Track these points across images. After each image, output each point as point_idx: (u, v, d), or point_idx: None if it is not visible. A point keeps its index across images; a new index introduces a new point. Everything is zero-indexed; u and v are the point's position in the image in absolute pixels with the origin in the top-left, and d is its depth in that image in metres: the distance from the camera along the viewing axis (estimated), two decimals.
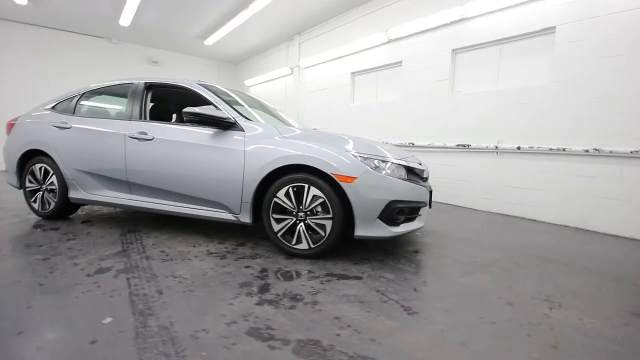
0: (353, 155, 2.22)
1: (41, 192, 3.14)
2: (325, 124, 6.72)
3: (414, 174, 2.44)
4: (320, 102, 6.97)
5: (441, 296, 1.83)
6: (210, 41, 7.97)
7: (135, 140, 2.72)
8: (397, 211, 2.24)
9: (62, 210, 3.13)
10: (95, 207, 3.83)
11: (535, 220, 3.77)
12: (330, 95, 6.68)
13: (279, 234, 2.36)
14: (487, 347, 1.37)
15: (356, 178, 2.15)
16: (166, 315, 1.53)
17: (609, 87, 3.20)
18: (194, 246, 2.54)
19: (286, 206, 2.31)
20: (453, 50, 4.51)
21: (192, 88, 2.78)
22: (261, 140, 2.41)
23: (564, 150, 3.48)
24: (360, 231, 2.19)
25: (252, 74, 9.57)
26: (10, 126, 3.36)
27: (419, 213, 2.48)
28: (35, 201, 3.17)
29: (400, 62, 5.22)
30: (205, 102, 2.72)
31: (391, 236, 2.23)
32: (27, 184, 3.18)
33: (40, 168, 3.10)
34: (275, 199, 2.33)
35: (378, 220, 2.19)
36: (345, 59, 6.27)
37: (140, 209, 2.81)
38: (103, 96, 3.23)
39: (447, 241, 2.91)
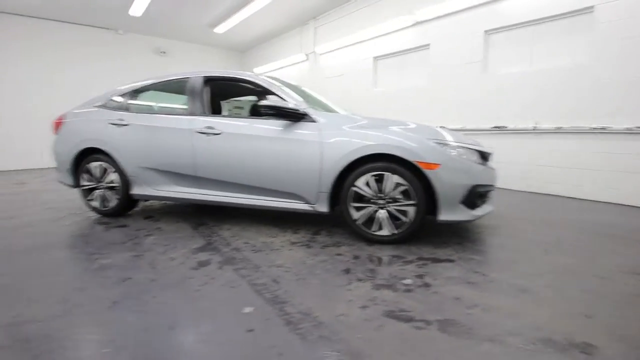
0: (434, 142, 2.28)
1: (100, 190, 3.15)
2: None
3: (483, 158, 2.51)
4: (338, 88, 6.94)
5: (538, 274, 1.94)
6: (221, 29, 7.80)
7: (203, 135, 2.73)
8: (478, 195, 2.33)
9: (123, 207, 3.16)
10: (148, 203, 3.85)
11: (576, 199, 3.91)
12: (351, 80, 6.65)
13: (358, 222, 2.44)
14: (616, 318, 1.48)
15: (439, 165, 2.22)
16: (298, 302, 1.61)
17: None
18: (273, 237, 2.61)
19: (366, 194, 2.38)
20: (486, 31, 4.52)
21: (256, 81, 2.78)
22: (336, 130, 2.45)
23: (604, 129, 3.58)
24: (444, 216, 2.28)
25: (261, 61, 9.43)
26: (58, 125, 3.33)
27: (489, 196, 2.57)
28: (93, 199, 3.19)
29: (428, 44, 5.21)
30: (268, 94, 2.74)
31: (472, 219, 2.33)
32: (84, 182, 3.18)
33: (98, 166, 3.10)
34: (354, 188, 2.40)
35: (460, 204, 2.28)
36: (366, 43, 6.22)
37: (208, 202, 2.85)
38: (156, 92, 3.20)
39: (508, 222, 3.01)
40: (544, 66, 4.05)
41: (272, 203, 2.67)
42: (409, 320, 1.46)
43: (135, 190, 3.04)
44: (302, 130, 2.51)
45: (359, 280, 1.85)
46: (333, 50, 6.96)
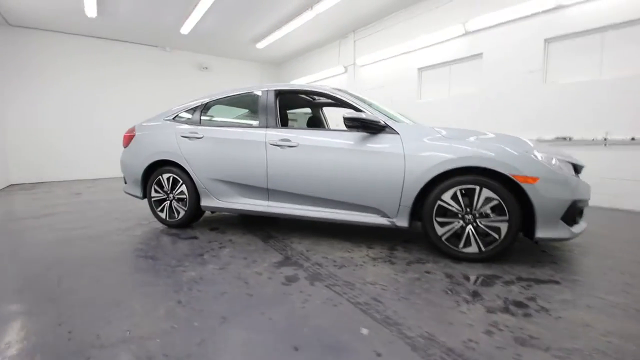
0: (530, 153, 2.16)
1: (168, 202, 3.21)
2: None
3: (576, 171, 2.36)
4: (380, 100, 6.88)
5: None
6: (262, 44, 8.01)
7: (278, 147, 2.74)
8: (578, 211, 2.18)
9: (190, 219, 3.20)
10: (207, 215, 3.90)
11: None
12: (393, 92, 6.60)
13: (443, 238, 2.33)
14: None
15: (538, 178, 2.09)
16: (415, 325, 1.52)
17: None
18: (348, 251, 2.54)
19: (453, 209, 2.28)
20: (545, 40, 4.36)
21: (330, 93, 2.78)
22: (420, 142, 2.37)
23: None
24: (542, 233, 2.13)
25: (298, 74, 9.58)
26: (129, 138, 3.45)
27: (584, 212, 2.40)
28: (162, 210, 3.25)
29: (480, 54, 5.10)
30: (345, 106, 2.73)
31: (571, 237, 2.17)
32: (153, 194, 3.26)
33: (169, 178, 3.17)
34: (439, 202, 2.30)
35: (560, 221, 2.13)
36: (410, 55, 6.18)
37: (279, 215, 2.83)
38: (226, 106, 3.27)
39: (593, 240, 2.80)
40: (615, 74, 3.84)
41: (348, 217, 2.61)
42: (546, 349, 1.34)
43: (205, 202, 3.07)
44: (384, 142, 2.45)
45: (467, 302, 1.74)
46: (374, 62, 6.97)
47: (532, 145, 2.29)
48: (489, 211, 2.21)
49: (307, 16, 6.24)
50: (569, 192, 2.12)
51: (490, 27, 4.91)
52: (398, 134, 2.45)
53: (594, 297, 1.79)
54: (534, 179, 2.09)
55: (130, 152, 3.42)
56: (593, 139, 3.98)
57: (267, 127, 2.86)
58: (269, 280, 2.03)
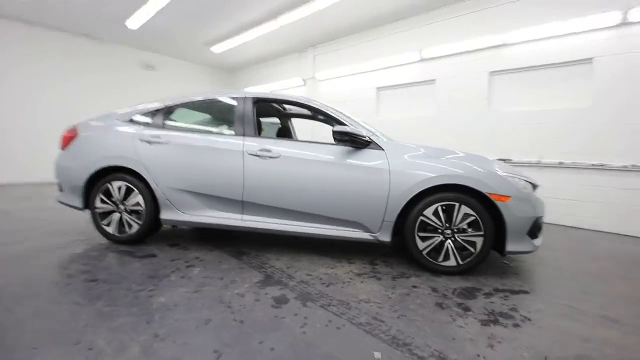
0: (502, 174, 2.35)
1: (118, 214, 2.78)
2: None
3: (534, 189, 2.64)
4: None
5: (614, 303, 2.02)
6: (219, 49, 7.66)
7: (257, 157, 2.57)
8: (539, 226, 2.42)
9: (145, 234, 2.81)
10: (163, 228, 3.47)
11: (577, 227, 4.23)
12: (352, 108, 6.79)
13: (424, 252, 2.39)
14: None
15: (510, 197, 2.28)
16: (422, 344, 1.49)
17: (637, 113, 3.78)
18: (331, 267, 2.45)
19: (434, 224, 2.36)
20: (490, 72, 4.93)
21: (314, 105, 2.72)
22: (403, 158, 2.43)
23: (603, 165, 3.99)
24: (511, 247, 2.31)
25: (253, 82, 9.35)
26: (68, 139, 2.94)
27: None
28: (109, 224, 2.80)
29: (434, 80, 5.54)
30: (328, 119, 2.69)
31: (534, 250, 2.39)
32: (99, 205, 2.79)
33: (120, 187, 2.75)
34: (421, 217, 2.37)
35: (526, 235, 2.34)
36: (370, 74, 6.46)
37: (255, 230, 2.64)
38: (195, 111, 2.99)
39: (539, 253, 3.13)
40: (547, 107, 4.47)
41: (330, 232, 2.54)
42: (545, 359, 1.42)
43: (166, 215, 2.73)
44: (370, 158, 2.46)
45: (460, 315, 1.78)
46: (334, 78, 7.12)
47: (499, 165, 2.51)
48: (465, 226, 2.33)
49: (271, 26, 6.16)
50: (533, 209, 2.35)
51: (442, 57, 5.39)
52: (383, 149, 2.48)
53: (562, 305, 1.97)
54: (507, 197, 2.28)
55: (70, 155, 2.90)
56: (528, 162, 4.56)
57: (244, 136, 2.67)
58: (256, 302, 1.85)
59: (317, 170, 2.51)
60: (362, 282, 2.20)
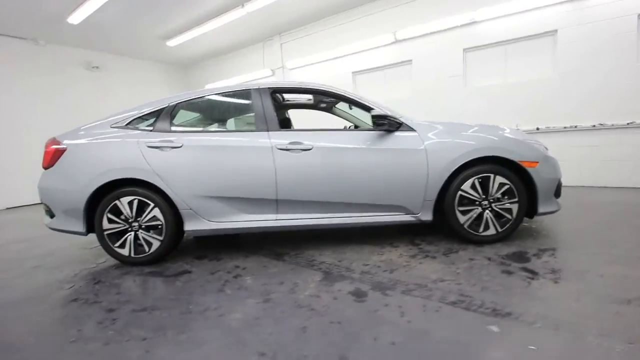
0: (528, 141, 2.49)
1: (132, 233, 2.46)
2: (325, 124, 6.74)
3: None
4: None
5: (637, 246, 2.28)
6: (175, 42, 7.03)
7: (286, 152, 2.42)
8: (560, 186, 2.62)
9: (168, 250, 2.53)
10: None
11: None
12: None
13: (465, 225, 2.47)
14: None
15: (538, 162, 2.43)
16: (523, 311, 1.54)
17: (601, 78, 4.24)
18: (380, 254, 2.43)
19: (472, 197, 2.44)
20: (464, 49, 5.16)
21: (333, 91, 2.62)
22: (437, 137, 2.46)
23: (575, 127, 4.44)
24: (542, 208, 2.47)
25: (214, 77, 8.78)
26: (54, 154, 2.50)
27: None
28: (123, 245, 2.47)
29: (410, 60, 5.67)
30: (351, 104, 2.63)
31: (559, 209, 2.58)
32: (107, 226, 2.45)
33: (131, 202, 2.43)
34: (460, 192, 2.43)
35: (553, 196, 2.52)
36: (344, 59, 6.41)
37: (291, 228, 2.52)
38: (203, 108, 2.71)
39: None
40: (517, 79, 4.83)
41: (371, 219, 2.51)
42: (628, 301, 1.55)
43: (192, 226, 2.47)
44: (404, 140, 2.45)
45: (530, 278, 1.87)
46: (307, 65, 6.96)
47: (519, 133, 2.66)
48: (500, 196, 2.45)
49: (237, 14, 5.78)
50: (556, 171, 2.54)
51: (417, 37, 5.52)
52: (415, 130, 2.49)
53: (602, 254, 2.17)
54: (535, 163, 2.43)
55: (60, 174, 2.48)
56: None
57: (268, 131, 2.50)
58: (336, 300, 1.77)
59: (353, 158, 2.44)
60: (420, 263, 2.22)
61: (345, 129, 3.01)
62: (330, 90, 2.66)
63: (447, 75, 5.35)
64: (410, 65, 5.71)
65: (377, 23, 5.87)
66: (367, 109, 2.55)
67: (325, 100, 3.44)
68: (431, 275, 2.01)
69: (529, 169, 2.41)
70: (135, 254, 2.49)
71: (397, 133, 2.48)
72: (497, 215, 2.47)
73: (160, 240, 2.48)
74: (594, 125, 4.33)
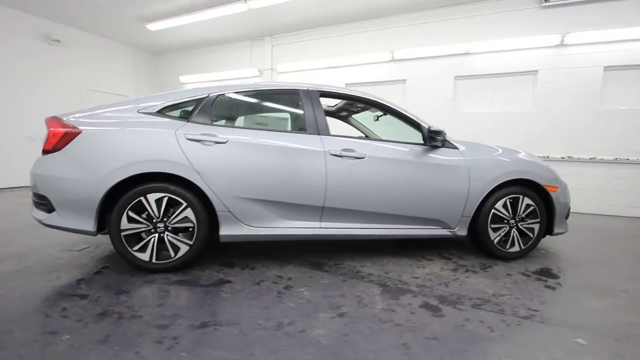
0: (551, 168, 2.74)
1: (156, 235, 2.15)
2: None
3: None
4: None
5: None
6: (156, 26, 6.44)
7: (339, 158, 2.33)
8: (569, 210, 2.91)
9: (196, 256, 2.25)
10: None
11: None
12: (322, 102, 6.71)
13: (494, 241, 2.62)
14: None
15: (558, 188, 2.69)
16: (595, 325, 1.66)
17: (571, 117, 4.89)
18: (422, 267, 2.45)
19: (503, 216, 2.60)
20: (455, 77, 5.57)
21: (385, 103, 2.63)
22: (478, 157, 2.60)
23: (548, 157, 5.02)
24: (557, 229, 2.73)
25: (190, 69, 8.20)
26: (64, 137, 2.09)
27: None
28: (143, 249, 2.14)
29: (405, 80, 5.93)
30: (401, 118, 2.68)
31: (567, 230, 2.86)
32: (127, 225, 2.10)
33: (160, 199, 2.13)
34: (493, 210, 2.58)
35: (564, 219, 2.80)
36: (338, 70, 6.47)
37: (333, 237, 2.43)
38: (249, 102, 2.49)
39: None
40: (501, 109, 5.33)
41: (410, 231, 2.53)
42: None
43: (229, 231, 2.24)
44: (450, 156, 2.53)
45: (573, 292, 2.04)
46: (298, 71, 6.87)
47: (537, 157, 2.92)
48: (524, 216, 2.66)
49: (237, 8, 5.51)
50: (569, 197, 2.83)
51: (413, 59, 5.81)
52: (457, 148, 2.59)
53: (614, 272, 2.46)
54: (556, 188, 2.68)
55: (70, 160, 2.08)
56: None
57: (319, 134, 2.39)
58: (414, 315, 1.73)
59: (403, 170, 2.45)
60: (467, 277, 2.28)
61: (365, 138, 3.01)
62: (380, 101, 2.66)
63: (439, 98, 5.70)
64: (404, 84, 5.98)
65: (374, 40, 6.06)
66: (417, 124, 2.60)
67: (351, 108, 3.43)
68: (486, 289, 2.08)
69: (551, 193, 2.66)
70: (157, 259, 2.17)
71: (443, 149, 2.56)
72: (521, 234, 2.67)
73: (190, 245, 2.20)
74: (563, 157, 4.96)
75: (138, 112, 2.25)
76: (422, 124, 2.59)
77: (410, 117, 2.63)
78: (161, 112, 2.28)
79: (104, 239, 2.92)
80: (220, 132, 2.25)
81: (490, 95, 5.45)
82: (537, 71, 5.07)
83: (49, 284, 2.01)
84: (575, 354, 1.42)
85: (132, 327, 1.54)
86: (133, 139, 2.14)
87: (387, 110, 2.69)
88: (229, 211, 2.23)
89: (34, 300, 1.79)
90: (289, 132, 2.47)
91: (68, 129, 2.11)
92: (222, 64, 7.83)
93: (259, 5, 5.41)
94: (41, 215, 2.17)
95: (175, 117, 2.28)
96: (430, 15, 5.59)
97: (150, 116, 2.24)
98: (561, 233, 2.80)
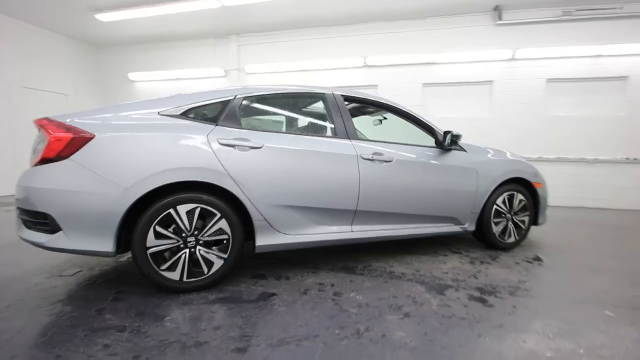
0: (535, 167, 3.13)
1: (187, 250, 1.94)
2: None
3: None
4: None
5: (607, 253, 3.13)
6: (108, 17, 5.72)
7: (370, 162, 2.37)
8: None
9: (231, 271, 2.08)
10: None
11: None
12: None
13: (496, 234, 2.91)
14: None
15: (542, 184, 3.09)
16: (615, 296, 1.96)
17: (521, 121, 5.62)
18: (443, 262, 2.61)
19: (502, 210, 2.90)
20: (423, 84, 5.99)
21: (403, 109, 2.74)
22: (482, 158, 2.86)
23: None
24: (540, 221, 3.14)
25: (140, 66, 7.46)
26: (72, 144, 1.78)
27: None
28: (172, 267, 1.92)
29: (376, 85, 6.19)
30: (417, 123, 2.81)
31: (545, 222, 3.30)
32: (153, 242, 1.86)
33: (191, 211, 1.93)
34: (495, 206, 2.87)
35: (545, 211, 3.22)
36: (311, 73, 6.49)
37: (362, 240, 2.46)
38: (275, 105, 2.37)
39: None
40: (463, 115, 5.89)
41: (430, 229, 2.68)
42: None
43: (265, 240, 2.12)
44: (461, 158, 2.74)
45: (578, 272, 2.38)
46: (269, 73, 6.71)
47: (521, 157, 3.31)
48: (517, 210, 3.00)
49: (207, 4, 5.19)
50: (547, 192, 3.26)
51: (384, 66, 6.11)
52: (465, 151, 2.82)
53: (594, 255, 2.90)
54: (541, 184, 3.08)
55: (83, 170, 1.77)
56: None
57: (349, 138, 2.40)
58: (468, 308, 1.84)
59: (424, 171, 2.60)
60: (486, 268, 2.50)
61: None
62: (399, 107, 2.78)
63: (409, 104, 6.01)
64: (376, 89, 6.24)
65: (347, 45, 6.23)
66: (431, 129, 2.76)
67: (365, 112, 3.48)
68: (509, 277, 2.30)
69: (537, 189, 3.05)
70: (187, 277, 1.96)
71: (454, 152, 2.77)
72: (515, 226, 3.01)
73: (224, 259, 2.03)
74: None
75: (159, 114, 2.01)
76: (435, 129, 2.76)
77: (427, 122, 2.78)
78: (185, 114, 2.07)
79: (92, 260, 2.54)
80: (253, 136, 2.12)
81: (453, 102, 5.99)
82: (492, 81, 5.73)
83: (63, 318, 1.68)
84: (614, 324, 1.66)
85: (207, 356, 1.38)
86: (162, 144, 1.90)
87: (405, 116, 2.82)
88: (265, 220, 2.11)
89: (58, 341, 1.48)
90: (322, 136, 2.43)
91: (78, 134, 1.80)
92: (181, 62, 7.29)
93: (234, 3, 5.17)
94: (40, 237, 1.81)
95: (201, 120, 2.09)
96: (401, 25, 5.94)
97: (174, 119, 2.02)
98: (542, 223, 3.23)
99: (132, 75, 7.51)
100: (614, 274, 2.40)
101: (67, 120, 1.86)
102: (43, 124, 1.86)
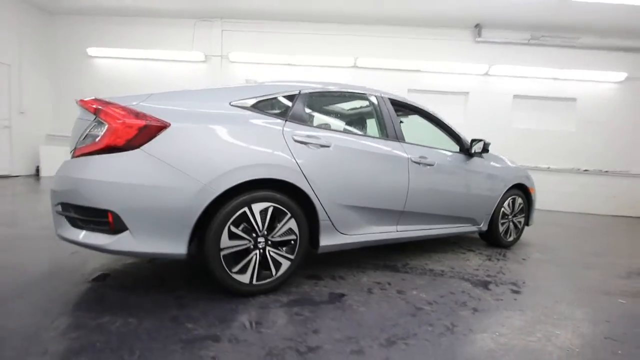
0: (529, 174, 3.56)
1: (258, 252, 1.85)
2: None
3: None
4: None
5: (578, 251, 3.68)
6: None
7: (417, 164, 2.48)
8: None
9: (295, 272, 2.02)
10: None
11: None
12: None
13: (501, 233, 3.26)
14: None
15: (534, 190, 3.53)
16: (620, 286, 2.36)
17: (490, 131, 6.27)
18: (467, 260, 2.85)
19: (506, 212, 3.26)
20: (408, 90, 6.32)
21: (438, 117, 2.91)
22: (499, 164, 3.20)
23: None
24: (530, 222, 3.59)
25: (105, 42, 6.60)
26: (145, 132, 1.57)
27: None
28: (243, 270, 1.81)
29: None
30: (443, 128, 3.00)
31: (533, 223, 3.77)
32: (227, 243, 1.74)
33: (264, 210, 1.83)
34: (502, 208, 3.21)
35: (533, 214, 3.68)
36: (299, 68, 6.41)
37: (404, 239, 2.58)
38: (334, 104, 2.33)
39: None
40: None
41: (454, 229, 2.92)
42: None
43: (329, 240, 2.10)
44: (481, 163, 3.02)
45: (575, 268, 2.79)
46: (255, 63, 6.43)
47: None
48: (517, 212, 3.40)
49: None
50: (536, 196, 3.73)
51: (373, 69, 6.30)
52: (482, 157, 3.09)
53: (578, 252, 3.41)
54: (534, 190, 3.52)
55: (157, 163, 1.57)
56: None
57: (399, 141, 2.47)
58: (517, 301, 2.07)
59: (458, 175, 2.82)
60: (505, 264, 2.80)
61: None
62: (435, 115, 2.95)
63: None
64: None
65: (337, 44, 6.28)
66: (457, 136, 2.97)
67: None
68: (528, 272, 2.63)
69: (531, 194, 3.48)
70: (257, 280, 1.87)
71: (475, 158, 3.02)
72: (514, 226, 3.41)
73: (291, 260, 1.97)
74: None
75: (230, 104, 1.86)
76: (462, 136, 2.98)
77: (456, 131, 2.99)
78: (255, 106, 1.94)
79: (98, 260, 2.26)
80: (322, 134, 2.09)
81: (436, 109, 6.41)
82: (468, 92, 6.28)
83: (138, 331, 1.48)
84: (629, 310, 2.02)
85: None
86: (241, 137, 1.78)
87: (438, 123, 2.99)
88: (330, 220, 2.10)
89: (158, 357, 1.32)
90: (379, 138, 2.46)
91: (150, 121, 1.59)
92: (153, 41, 6.63)
93: None
94: (99, 238, 1.57)
95: (271, 114, 1.98)
96: (390, 31, 6.18)
97: (246, 111, 1.89)
98: (531, 224, 3.69)
99: (91, 50, 6.60)
100: (604, 270, 2.86)
101: (133, 104, 1.63)
102: (100, 106, 1.61)
